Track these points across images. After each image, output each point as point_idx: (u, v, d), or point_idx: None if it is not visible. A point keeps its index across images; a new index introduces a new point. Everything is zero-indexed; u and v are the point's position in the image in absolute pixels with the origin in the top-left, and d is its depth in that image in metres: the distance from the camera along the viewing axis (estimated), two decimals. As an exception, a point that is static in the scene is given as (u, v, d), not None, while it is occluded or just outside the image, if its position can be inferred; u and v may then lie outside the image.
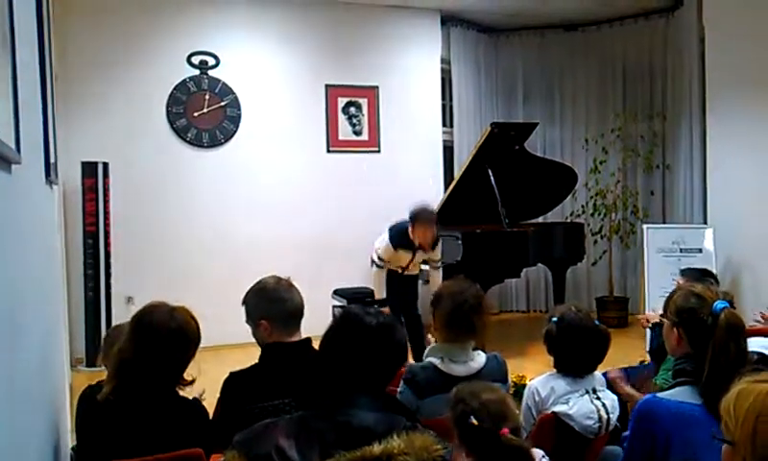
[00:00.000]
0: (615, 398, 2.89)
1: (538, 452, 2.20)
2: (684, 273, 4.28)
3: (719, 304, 2.10)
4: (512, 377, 3.12)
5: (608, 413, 2.78)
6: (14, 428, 1.62)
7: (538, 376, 2.92)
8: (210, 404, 2.44)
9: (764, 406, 1.38)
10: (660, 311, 2.41)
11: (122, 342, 2.32)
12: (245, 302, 2.56)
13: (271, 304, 2.48)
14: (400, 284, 5.72)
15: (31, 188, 2.36)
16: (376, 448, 1.50)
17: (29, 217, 2.24)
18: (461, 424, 1.97)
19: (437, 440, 1.59)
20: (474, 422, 1.91)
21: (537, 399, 2.79)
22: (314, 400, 1.65)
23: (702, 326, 2.11)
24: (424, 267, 5.94)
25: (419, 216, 5.40)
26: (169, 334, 2.27)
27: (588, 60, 8.66)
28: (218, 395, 2.45)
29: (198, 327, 2.37)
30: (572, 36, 8.73)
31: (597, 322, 2.82)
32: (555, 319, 2.82)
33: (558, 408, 2.74)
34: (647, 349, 5.99)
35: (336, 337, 1.73)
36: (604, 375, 2.94)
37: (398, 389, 2.63)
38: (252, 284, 2.61)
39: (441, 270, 5.74)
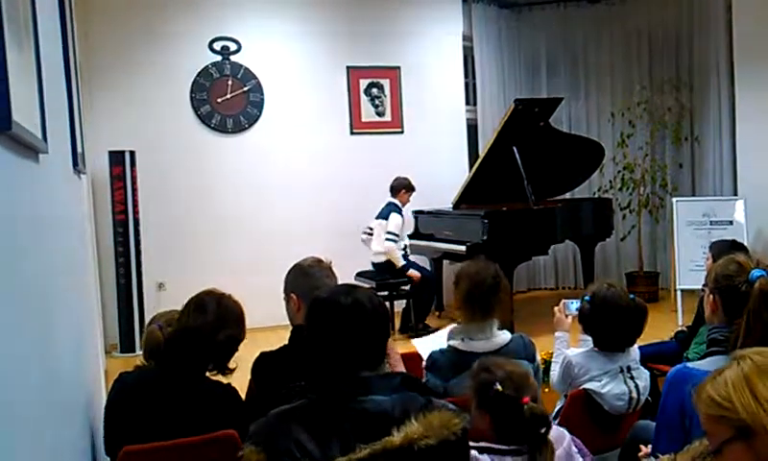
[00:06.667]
0: (648, 375, 2.87)
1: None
2: (712, 247, 4.19)
3: (756, 273, 2.06)
4: (541, 355, 3.11)
5: (639, 394, 2.76)
6: (52, 417, 1.64)
7: (576, 349, 2.91)
8: (241, 387, 2.47)
9: None
10: None
11: (183, 321, 2.36)
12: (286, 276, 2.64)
13: (302, 279, 2.52)
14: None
15: (59, 177, 2.39)
16: (396, 438, 1.48)
17: (57, 205, 2.27)
18: (484, 390, 2.01)
19: (455, 412, 1.57)
20: (499, 388, 1.96)
21: (570, 371, 2.78)
22: (324, 386, 1.62)
23: (736, 293, 2.08)
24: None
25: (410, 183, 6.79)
26: (238, 319, 2.43)
27: (613, 32, 8.50)
28: (248, 375, 2.48)
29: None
30: (595, 8, 8.57)
31: (632, 296, 2.79)
32: (587, 297, 2.79)
33: (590, 385, 2.73)
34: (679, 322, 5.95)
35: (316, 326, 1.65)
36: (640, 348, 2.91)
37: (424, 378, 2.66)
38: (280, 267, 2.70)
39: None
